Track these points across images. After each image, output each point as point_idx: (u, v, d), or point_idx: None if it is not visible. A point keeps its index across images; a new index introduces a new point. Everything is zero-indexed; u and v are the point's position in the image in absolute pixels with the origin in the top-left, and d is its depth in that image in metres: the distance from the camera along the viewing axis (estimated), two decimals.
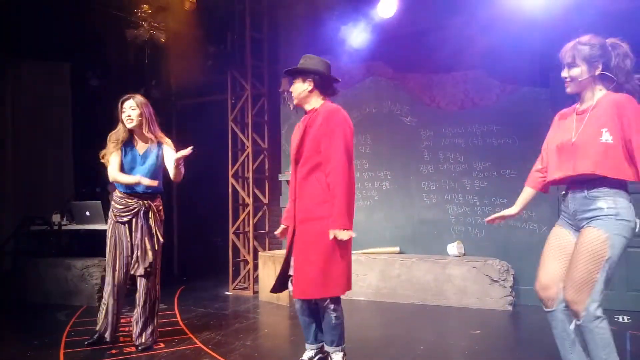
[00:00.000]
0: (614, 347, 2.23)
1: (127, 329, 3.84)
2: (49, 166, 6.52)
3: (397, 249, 5.27)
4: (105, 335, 3.53)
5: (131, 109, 3.41)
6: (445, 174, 5.18)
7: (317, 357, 3.02)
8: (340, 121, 2.81)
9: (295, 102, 2.98)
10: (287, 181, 5.40)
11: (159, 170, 3.51)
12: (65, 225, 5.46)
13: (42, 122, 6.52)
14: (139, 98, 3.47)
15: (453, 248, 4.99)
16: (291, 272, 2.89)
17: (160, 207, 3.56)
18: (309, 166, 2.82)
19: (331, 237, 2.69)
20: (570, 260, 2.30)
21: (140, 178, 3.32)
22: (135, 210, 3.42)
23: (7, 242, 5.87)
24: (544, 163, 2.52)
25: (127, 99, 3.44)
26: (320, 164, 2.80)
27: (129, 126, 3.42)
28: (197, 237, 7.18)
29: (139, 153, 3.48)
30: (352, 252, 2.96)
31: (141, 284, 3.48)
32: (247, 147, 5.78)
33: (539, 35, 4.54)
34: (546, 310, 2.44)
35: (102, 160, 3.50)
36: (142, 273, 3.44)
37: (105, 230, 3.62)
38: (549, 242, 2.48)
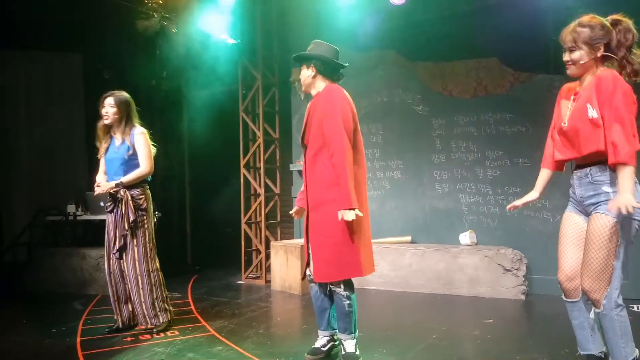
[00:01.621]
0: (631, 335, 2.22)
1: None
2: (64, 157, 6.59)
3: (408, 238, 5.26)
4: (119, 320, 3.66)
5: (110, 106, 3.59)
6: (457, 163, 5.15)
7: (329, 345, 3.04)
8: (335, 99, 2.78)
9: (302, 88, 3.02)
10: (300, 171, 5.43)
11: (130, 159, 3.58)
12: (80, 215, 5.53)
13: (55, 113, 6.58)
14: (119, 96, 3.62)
15: (465, 237, 4.97)
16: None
17: (141, 196, 3.61)
18: (314, 150, 2.84)
19: (339, 218, 2.68)
20: (584, 248, 2.27)
21: (112, 183, 3.54)
22: (115, 199, 3.55)
23: (23, 233, 5.97)
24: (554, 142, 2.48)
25: (109, 96, 3.62)
26: (324, 146, 2.79)
27: (105, 122, 3.61)
28: (209, 227, 7.23)
29: (116, 144, 3.64)
30: None
31: (128, 270, 3.55)
32: (259, 137, 5.79)
33: (553, 22, 4.46)
34: (569, 301, 2.40)
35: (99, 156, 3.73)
36: (114, 259, 3.57)
37: None
38: (564, 231, 2.42)
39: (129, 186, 3.56)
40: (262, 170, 5.79)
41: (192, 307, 4.48)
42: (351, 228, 2.76)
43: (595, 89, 2.17)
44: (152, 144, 3.69)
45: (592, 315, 2.35)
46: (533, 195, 2.57)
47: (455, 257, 4.78)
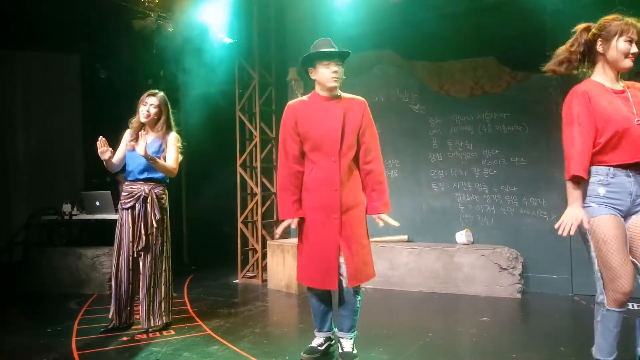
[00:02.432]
0: None
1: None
2: (60, 157, 6.58)
3: (405, 237, 5.26)
4: (116, 319, 3.62)
5: (152, 106, 3.60)
6: (454, 162, 5.16)
7: (326, 344, 3.04)
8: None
9: (337, 85, 2.84)
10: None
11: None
12: (75, 215, 5.52)
13: (52, 113, 6.57)
14: (162, 97, 3.65)
15: (462, 236, 4.98)
16: (342, 260, 2.82)
17: (163, 195, 3.67)
18: (351, 154, 2.85)
19: (381, 224, 2.87)
20: None
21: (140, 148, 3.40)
22: (137, 196, 3.56)
23: (18, 232, 5.95)
24: (596, 145, 2.30)
25: (153, 94, 3.62)
26: (357, 152, 2.88)
27: (142, 120, 3.60)
28: (205, 227, 7.22)
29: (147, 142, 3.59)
30: None
31: (144, 267, 3.56)
32: (255, 136, 5.78)
33: (550, 21, 4.48)
34: (621, 310, 2.28)
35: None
36: (135, 255, 3.57)
37: (114, 220, 3.71)
38: (618, 237, 2.24)
39: (153, 185, 3.60)
40: (258, 170, 5.78)
41: (188, 306, 4.47)
42: (367, 230, 2.93)
43: None
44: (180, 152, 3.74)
45: None
46: (582, 213, 2.26)
47: (452, 256, 4.78)
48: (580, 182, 2.29)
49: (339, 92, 2.91)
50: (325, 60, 2.80)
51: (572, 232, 2.22)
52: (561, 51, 2.46)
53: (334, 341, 3.10)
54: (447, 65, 5.19)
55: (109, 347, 3.30)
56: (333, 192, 2.80)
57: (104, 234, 5.56)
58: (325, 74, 2.80)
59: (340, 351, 2.92)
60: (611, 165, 2.29)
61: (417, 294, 4.82)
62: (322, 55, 2.80)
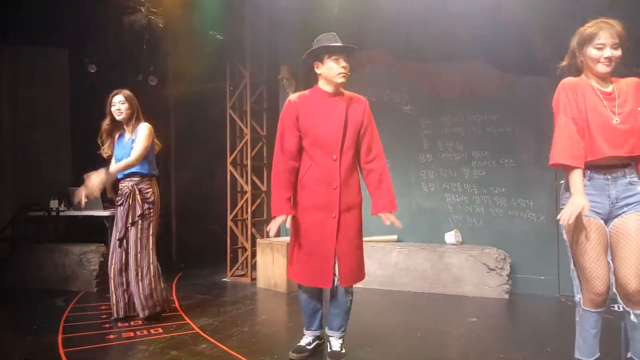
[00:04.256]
0: None
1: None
2: (47, 152, 6.50)
3: (395, 237, 5.28)
4: (114, 311, 3.74)
5: (120, 103, 3.67)
6: (444, 163, 5.18)
7: (314, 343, 3.04)
8: None
9: (344, 80, 2.81)
10: None
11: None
12: (63, 211, 5.46)
13: (39, 108, 6.48)
14: (127, 92, 3.73)
15: (451, 236, 5.00)
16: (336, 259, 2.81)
17: (149, 190, 3.71)
18: (351, 153, 2.83)
19: (387, 222, 2.86)
20: (629, 249, 2.22)
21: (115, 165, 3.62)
22: (125, 193, 3.67)
23: (5, 228, 5.87)
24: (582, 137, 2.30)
25: (116, 94, 3.70)
26: (356, 151, 2.86)
27: (118, 118, 3.68)
28: (195, 224, 7.18)
29: (125, 141, 3.74)
30: None
31: (129, 261, 3.66)
32: (246, 134, 5.76)
33: (539, 24, 4.50)
34: (599, 310, 2.30)
35: (103, 153, 3.75)
36: (122, 249, 3.67)
37: (102, 217, 3.75)
38: (596, 239, 2.25)
39: (138, 180, 3.67)
40: (249, 168, 5.76)
41: (177, 304, 4.44)
42: (362, 231, 2.94)
43: None
44: (157, 142, 3.86)
45: (633, 318, 2.22)
46: (583, 200, 2.18)
47: (441, 256, 4.81)
48: (576, 171, 2.23)
49: (341, 89, 2.87)
50: (335, 55, 2.78)
51: (570, 221, 2.15)
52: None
53: (322, 340, 3.10)
54: (438, 66, 5.20)
55: (96, 345, 3.26)
56: (332, 190, 2.77)
57: (92, 230, 5.51)
58: (334, 69, 2.77)
59: (329, 350, 2.93)
60: (588, 169, 2.29)
61: (405, 293, 4.84)
62: (333, 49, 2.78)
